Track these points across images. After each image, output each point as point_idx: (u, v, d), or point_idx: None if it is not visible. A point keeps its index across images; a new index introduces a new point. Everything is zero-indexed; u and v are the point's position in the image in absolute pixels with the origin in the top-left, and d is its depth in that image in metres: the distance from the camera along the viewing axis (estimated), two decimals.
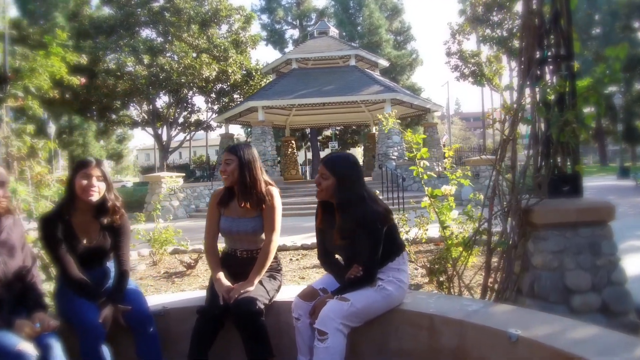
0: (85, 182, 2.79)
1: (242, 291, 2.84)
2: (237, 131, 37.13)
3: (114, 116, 28.99)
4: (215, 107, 29.36)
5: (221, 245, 3.24)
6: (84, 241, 2.86)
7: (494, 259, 3.29)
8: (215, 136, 41.02)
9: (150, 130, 29.72)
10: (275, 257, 3.18)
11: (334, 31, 26.39)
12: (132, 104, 27.88)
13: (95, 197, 2.81)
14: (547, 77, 3.28)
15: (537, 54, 3.23)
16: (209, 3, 25.82)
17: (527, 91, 3.21)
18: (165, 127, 29.33)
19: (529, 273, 3.13)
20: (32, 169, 3.74)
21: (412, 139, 3.77)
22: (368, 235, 2.59)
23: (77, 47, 22.90)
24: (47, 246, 2.81)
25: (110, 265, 3.01)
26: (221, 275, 3.00)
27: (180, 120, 30.16)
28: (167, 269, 6.73)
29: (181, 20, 24.41)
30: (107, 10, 26.98)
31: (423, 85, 55.60)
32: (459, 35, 29.95)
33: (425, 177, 3.74)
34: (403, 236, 5.55)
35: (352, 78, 21.18)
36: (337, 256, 2.93)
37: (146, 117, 29.24)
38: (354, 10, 41.43)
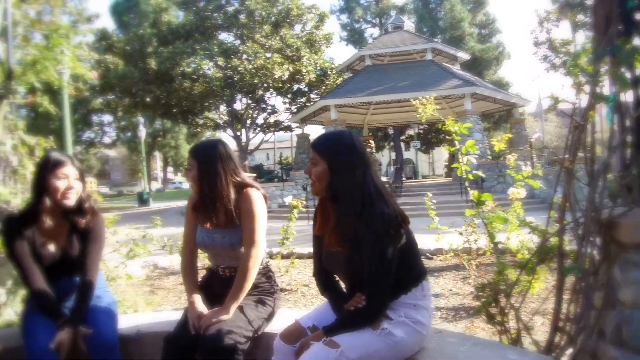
0: (61, 183, 2.38)
1: (214, 320, 2.24)
2: (316, 131, 37.11)
3: (196, 119, 29.89)
4: (293, 108, 29.32)
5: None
6: (51, 247, 2.45)
7: (567, 287, 2.41)
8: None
9: (230, 132, 30.32)
10: (268, 276, 2.54)
11: (409, 25, 25.31)
12: (212, 107, 28.55)
13: (72, 200, 2.42)
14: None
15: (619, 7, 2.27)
16: (282, 3, 25.74)
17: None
18: (244, 129, 29.76)
19: (614, 311, 2.22)
20: (26, 167, 3.40)
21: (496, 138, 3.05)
22: (372, 247, 1.85)
23: (156, 53, 23.81)
24: (9, 252, 2.40)
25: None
26: (196, 298, 2.41)
27: (260, 121, 30.47)
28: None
29: (254, 22, 24.55)
30: (182, 16, 27.82)
31: (511, 79, 52.44)
32: (547, 22, 27.54)
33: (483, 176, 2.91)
34: (465, 246, 4.76)
35: (429, 73, 20.04)
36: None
37: (225, 120, 29.84)
38: (435, 4, 39.73)
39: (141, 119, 29.65)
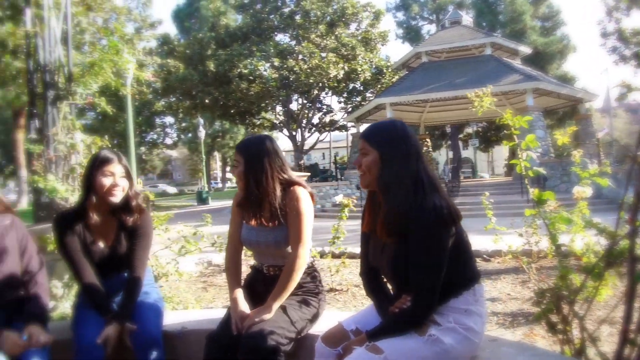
0: (108, 180, 2.41)
1: (256, 319, 2.19)
2: None
3: (253, 119, 30.43)
4: (349, 107, 29.24)
5: None
6: (101, 244, 2.49)
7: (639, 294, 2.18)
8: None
9: (286, 132, 30.64)
10: (313, 276, 2.46)
11: (467, 20, 24.54)
12: (268, 107, 28.96)
13: (118, 197, 2.44)
14: None
15: None
16: (337, 2, 25.70)
17: None
18: (299, 129, 30.00)
19: None
20: (83, 166, 3.50)
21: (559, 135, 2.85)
22: (420, 243, 1.73)
23: (215, 56, 24.40)
24: (61, 247, 2.47)
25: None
26: (239, 294, 2.37)
27: (315, 121, 30.60)
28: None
29: (309, 22, 24.67)
30: (240, 20, 28.34)
31: (577, 74, 49.64)
32: (616, 12, 25.92)
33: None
34: (525, 248, 4.50)
35: (487, 68, 19.37)
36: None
37: (281, 120, 30.18)
38: None
39: (201, 121, 30.49)
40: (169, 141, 48.79)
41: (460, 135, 35.99)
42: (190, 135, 47.79)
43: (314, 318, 2.37)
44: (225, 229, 4.37)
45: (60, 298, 3.42)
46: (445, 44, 21.50)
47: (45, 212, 3.51)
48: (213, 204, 28.33)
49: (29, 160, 3.50)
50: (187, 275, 4.58)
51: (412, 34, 41.10)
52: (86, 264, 2.45)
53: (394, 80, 26.09)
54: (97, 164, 2.46)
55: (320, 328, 2.33)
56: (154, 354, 2.31)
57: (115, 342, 2.29)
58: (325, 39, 24.41)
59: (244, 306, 2.33)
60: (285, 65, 23.29)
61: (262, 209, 2.35)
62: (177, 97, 28.73)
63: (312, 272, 2.46)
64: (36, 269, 2.36)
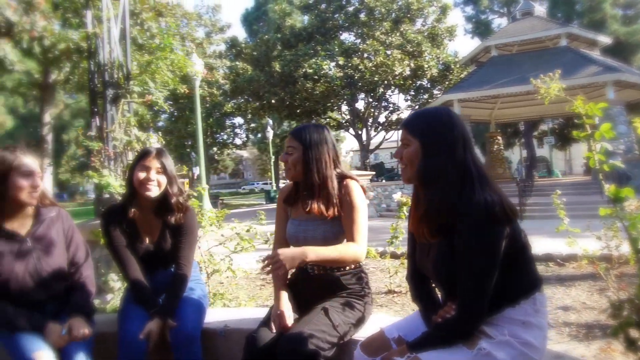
0: (142, 174, 2.41)
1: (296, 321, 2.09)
2: None
3: (319, 119, 30.57)
4: (415, 105, 28.67)
5: None
6: (146, 240, 2.49)
7: None
8: None
9: (352, 131, 30.53)
10: (359, 277, 2.32)
11: (540, 11, 23.20)
12: (334, 107, 28.97)
13: (153, 192, 2.41)
14: None
15: None
16: None
17: None
18: (365, 128, 29.80)
19: None
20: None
21: None
22: (467, 243, 1.53)
23: (280, 57, 24.70)
24: (108, 242, 2.50)
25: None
26: (282, 294, 2.27)
27: (382, 119, 30.28)
28: None
29: (374, 20, 24.40)
30: (307, 20, 28.53)
31: None
32: None
33: None
34: (604, 252, 4.10)
35: (563, 60, 18.19)
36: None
37: (347, 119, 30.10)
38: None
39: (270, 121, 31.02)
40: (238, 141, 50.08)
41: (535, 133, 34.26)
42: (259, 135, 48.78)
43: (358, 322, 2.23)
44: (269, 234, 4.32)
45: (117, 291, 3.49)
46: (516, 36, 20.47)
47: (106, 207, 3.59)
48: None
49: (88, 158, 3.59)
50: (243, 272, 4.56)
51: (481, 28, 39.59)
52: (131, 259, 2.45)
53: (462, 76, 25.25)
54: (137, 158, 2.46)
55: (366, 333, 2.17)
56: (191, 352, 2.27)
57: (157, 338, 2.26)
58: (390, 36, 24.04)
59: (286, 306, 2.22)
60: (349, 64, 23.19)
61: (316, 199, 2.24)
62: (245, 98, 29.39)
63: (358, 273, 2.31)
64: (82, 260, 2.38)
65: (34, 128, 14.11)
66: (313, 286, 2.28)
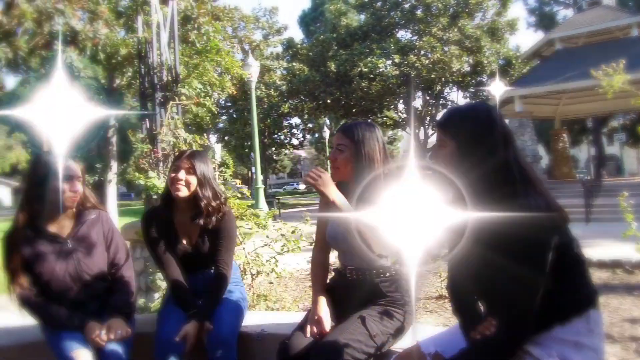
0: (173, 174, 2.42)
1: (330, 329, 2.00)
2: None
3: (375, 118, 30.31)
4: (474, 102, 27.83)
5: None
6: (184, 242, 2.49)
7: None
8: None
9: (408, 130, 30.06)
10: (399, 284, 2.20)
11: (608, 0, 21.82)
12: (390, 105, 28.63)
13: (182, 192, 2.41)
14: None
15: None
16: None
17: None
18: (422, 127, 29.24)
19: None
20: None
21: None
22: (509, 252, 1.38)
23: (336, 56, 24.66)
24: (147, 243, 2.53)
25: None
26: (321, 299, 2.20)
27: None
28: None
29: (431, 16, 23.86)
30: (363, 19, 28.35)
31: None
32: None
33: None
34: None
35: (635, 52, 17.01)
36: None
37: (403, 117, 29.67)
38: None
39: (327, 121, 31.04)
40: (295, 142, 50.54)
41: (604, 130, 32.38)
42: (316, 135, 49.02)
43: (397, 333, 2.12)
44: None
45: (163, 290, 3.54)
46: (582, 27, 19.33)
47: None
48: None
49: (137, 159, 3.67)
50: (289, 274, 4.52)
51: (545, 21, 37.81)
52: (171, 260, 2.46)
53: (524, 71, 24.20)
54: (173, 159, 2.48)
55: (405, 344, 2.06)
56: (226, 356, 2.24)
57: (194, 340, 2.25)
58: (447, 32, 23.41)
59: (323, 311, 2.15)
60: (406, 62, 22.80)
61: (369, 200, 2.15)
62: (302, 99, 29.59)
63: (397, 280, 2.20)
64: (122, 261, 2.41)
65: (105, 132, 14.82)
66: (351, 292, 2.20)
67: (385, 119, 30.78)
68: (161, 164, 3.79)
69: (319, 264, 2.35)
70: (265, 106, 32.67)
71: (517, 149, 1.53)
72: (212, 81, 4.15)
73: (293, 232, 4.09)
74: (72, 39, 8.64)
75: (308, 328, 2.10)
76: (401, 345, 2.09)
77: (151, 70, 4.09)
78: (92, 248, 2.32)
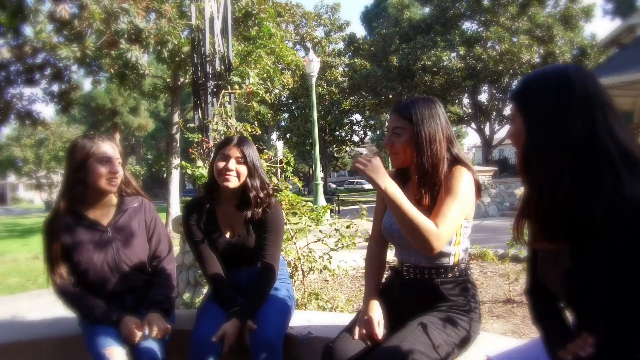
0: (221, 164, 2.25)
1: (385, 336, 1.76)
2: None
3: None
4: None
5: None
6: (227, 235, 2.32)
7: None
8: None
9: (473, 125, 29.00)
10: (464, 288, 1.93)
11: None
12: (454, 100, 27.75)
13: (232, 182, 2.24)
14: None
15: None
16: None
17: None
18: (488, 122, 28.13)
19: None
20: None
21: None
22: (609, 253, 1.09)
23: (398, 50, 24.12)
24: (187, 237, 2.37)
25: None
26: (372, 300, 1.97)
27: (507, 112, 28.37)
28: None
29: (499, 5, 22.75)
30: (428, 12, 27.61)
31: None
32: None
33: None
34: None
35: None
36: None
37: (468, 112, 28.66)
38: None
39: (389, 117, 30.49)
40: (355, 139, 50.22)
41: None
42: (377, 132, 48.52)
43: (462, 343, 1.84)
44: None
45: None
46: None
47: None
48: None
49: (186, 149, 3.58)
50: (343, 271, 4.30)
51: (624, 8, 35.24)
52: (210, 255, 2.30)
53: (600, 61, 22.58)
54: (218, 147, 2.31)
55: (470, 357, 1.79)
56: (271, 359, 2.04)
57: (234, 341, 2.08)
58: (516, 22, 22.27)
59: (376, 312, 1.91)
60: (471, 54, 21.92)
61: (426, 189, 1.88)
62: (363, 95, 29.26)
63: (463, 283, 1.92)
64: (164, 254, 2.29)
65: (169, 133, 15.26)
66: (408, 294, 1.94)
67: (449, 114, 29.82)
68: (211, 154, 3.67)
69: (374, 260, 2.10)
70: (327, 103, 32.57)
71: (615, 122, 1.21)
72: (266, 69, 3.99)
73: (348, 227, 3.86)
74: (136, 36, 8.82)
75: (356, 330, 1.87)
76: (467, 357, 1.82)
77: (204, 59, 3.99)
78: (132, 238, 2.20)
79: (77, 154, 2.11)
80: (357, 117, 42.97)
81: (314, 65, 15.59)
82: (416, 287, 1.92)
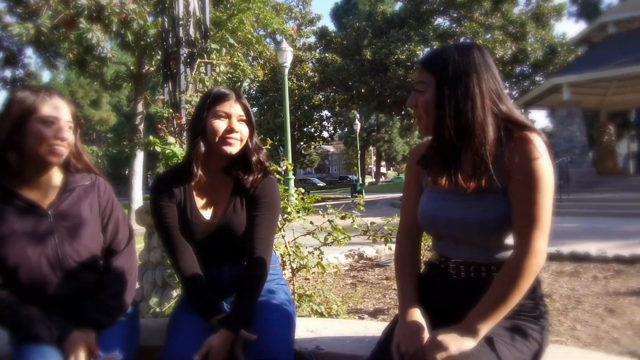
0: (223, 124, 1.72)
1: (445, 350, 1.26)
2: (541, 117, 33.32)
3: (410, 109, 29.44)
4: (514, 93, 26.57)
5: None
6: (206, 214, 1.77)
7: None
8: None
9: None
10: (531, 289, 1.44)
11: None
12: None
13: (235, 147, 1.74)
14: None
15: None
16: None
17: None
18: None
19: None
20: None
21: None
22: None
23: (371, 44, 23.85)
24: (157, 222, 1.79)
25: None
26: (411, 307, 1.47)
27: None
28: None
29: (472, 1, 22.73)
30: (400, 6, 27.46)
31: None
32: None
33: None
34: None
35: None
36: None
37: None
38: None
39: (357, 114, 30.39)
40: (325, 135, 49.89)
41: None
42: (346, 129, 48.39)
43: (535, 358, 1.37)
44: (376, 221, 3.56)
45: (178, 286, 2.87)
46: (638, 10, 18.00)
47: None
48: (366, 196, 28.01)
49: (155, 125, 3.02)
50: (332, 269, 3.81)
51: (588, 10, 36.00)
52: (187, 247, 1.75)
53: (569, 60, 22.86)
54: (208, 103, 1.75)
55: None
56: None
57: (224, 358, 1.56)
58: (490, 18, 22.30)
59: (419, 323, 1.42)
60: None
61: (459, 159, 1.40)
62: (334, 89, 28.93)
63: (536, 281, 1.45)
64: (121, 245, 1.73)
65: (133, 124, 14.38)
66: (457, 297, 1.46)
67: None
68: (184, 131, 3.12)
69: (407, 258, 1.60)
70: (296, 98, 32.11)
71: None
72: (248, 38, 3.45)
73: (344, 217, 3.36)
74: (98, 14, 8.09)
75: (397, 346, 1.37)
76: None
77: (176, 22, 3.42)
78: (81, 225, 1.63)
79: (14, 109, 1.55)
80: (326, 113, 42.74)
81: (286, 55, 14.96)
82: (469, 288, 1.44)
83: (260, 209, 1.78)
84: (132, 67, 14.42)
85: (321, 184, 52.15)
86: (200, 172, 1.75)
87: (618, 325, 3.35)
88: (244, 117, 1.76)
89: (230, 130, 1.72)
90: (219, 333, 1.57)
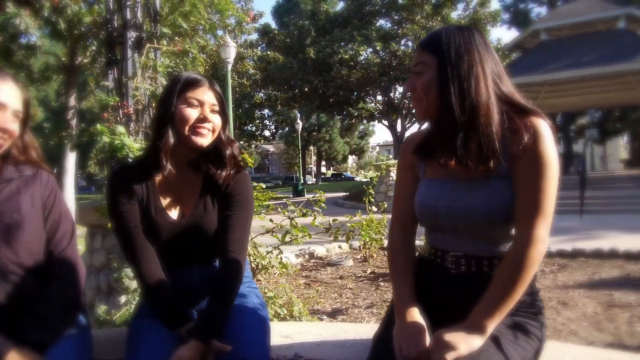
0: (193, 112, 1.52)
1: (455, 350, 1.15)
2: None
3: (351, 109, 29.67)
4: None
5: None
6: (173, 213, 1.58)
7: None
8: None
9: (385, 122, 29.54)
10: (530, 284, 1.36)
11: None
12: (368, 95, 28.10)
13: (207, 138, 1.55)
14: None
15: None
16: None
17: None
18: (399, 118, 28.78)
19: None
20: None
21: None
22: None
23: (315, 43, 23.86)
24: (116, 222, 1.56)
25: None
26: (413, 311, 1.34)
27: None
28: (376, 268, 5.44)
29: (414, 4, 23.25)
30: (343, 6, 27.67)
31: None
32: None
33: None
34: None
35: (621, 44, 16.74)
36: None
37: (381, 109, 29.17)
38: None
39: (298, 114, 30.32)
40: (267, 133, 49.43)
41: (573, 127, 32.47)
42: (287, 129, 48.21)
43: (536, 357, 1.30)
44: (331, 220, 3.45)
45: (133, 292, 2.61)
46: (569, 18, 19.02)
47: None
48: (308, 195, 27.99)
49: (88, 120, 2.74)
50: (289, 269, 3.67)
51: (520, 18, 37.83)
52: (149, 249, 1.54)
53: (503, 64, 23.86)
54: (178, 89, 1.55)
55: None
56: None
57: None
58: (430, 21, 22.89)
59: (420, 323, 1.30)
60: (387, 50, 22.22)
61: (466, 143, 1.29)
62: (276, 88, 28.70)
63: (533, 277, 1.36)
64: (62, 244, 1.50)
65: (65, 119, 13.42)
66: (456, 294, 1.35)
67: (361, 111, 30.18)
68: (133, 123, 2.86)
69: (402, 252, 1.47)
70: (237, 96, 31.58)
71: None
72: (201, 23, 3.23)
73: (304, 215, 3.22)
74: None
75: (397, 348, 1.25)
76: None
77: (123, 4, 3.15)
78: (19, 224, 1.39)
79: None
80: (267, 111, 42.39)
81: (230, 50, 14.56)
82: (469, 283, 1.34)
83: (234, 207, 1.60)
84: (63, 59, 13.54)
85: (267, 184, 51.60)
86: (169, 166, 1.56)
87: (573, 318, 3.42)
88: (217, 107, 1.58)
89: (202, 119, 1.52)
90: (189, 345, 1.39)
